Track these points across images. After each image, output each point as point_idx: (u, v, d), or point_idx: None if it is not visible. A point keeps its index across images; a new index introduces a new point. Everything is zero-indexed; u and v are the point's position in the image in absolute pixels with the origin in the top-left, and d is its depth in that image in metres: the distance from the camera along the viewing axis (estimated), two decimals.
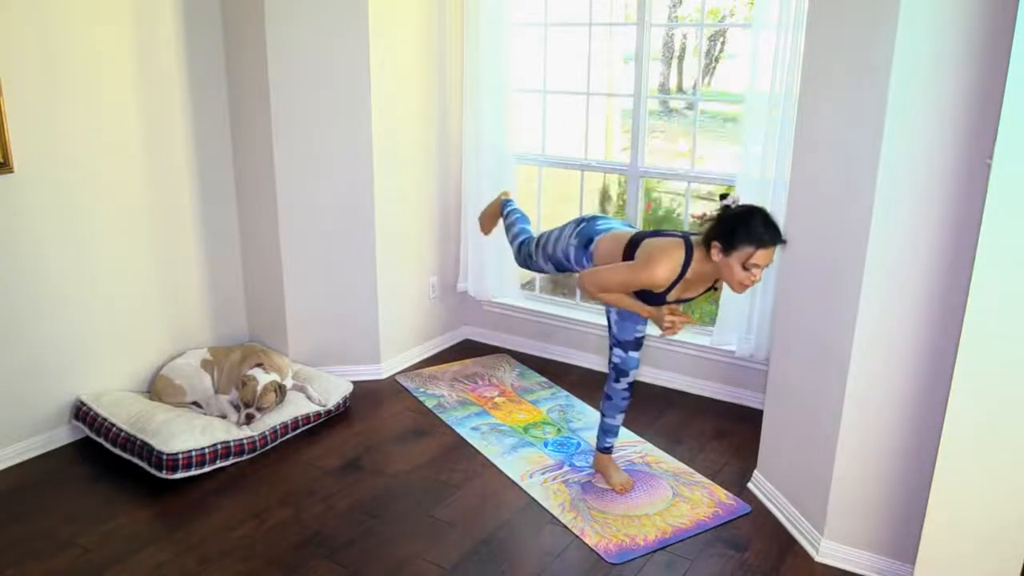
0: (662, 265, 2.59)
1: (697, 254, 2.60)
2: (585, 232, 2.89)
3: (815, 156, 2.70)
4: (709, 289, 2.77)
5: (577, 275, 2.91)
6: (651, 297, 2.73)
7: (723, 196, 2.57)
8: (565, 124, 4.84)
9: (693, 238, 2.64)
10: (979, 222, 2.02)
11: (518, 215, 3.31)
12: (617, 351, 3.00)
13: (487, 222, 3.52)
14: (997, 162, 1.96)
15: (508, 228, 3.31)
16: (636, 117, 3.96)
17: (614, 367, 3.03)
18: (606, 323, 3.06)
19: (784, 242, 2.51)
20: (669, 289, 2.66)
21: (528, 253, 3.13)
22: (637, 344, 2.98)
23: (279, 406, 3.50)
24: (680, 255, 2.60)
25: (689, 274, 2.61)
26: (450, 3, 4.08)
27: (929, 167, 2.29)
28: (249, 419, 3.39)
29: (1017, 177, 1.94)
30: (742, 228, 2.46)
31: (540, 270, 3.15)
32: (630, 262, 2.68)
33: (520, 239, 3.20)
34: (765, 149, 3.46)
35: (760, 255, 2.44)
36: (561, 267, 3.02)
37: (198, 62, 3.66)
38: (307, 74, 3.66)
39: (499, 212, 3.44)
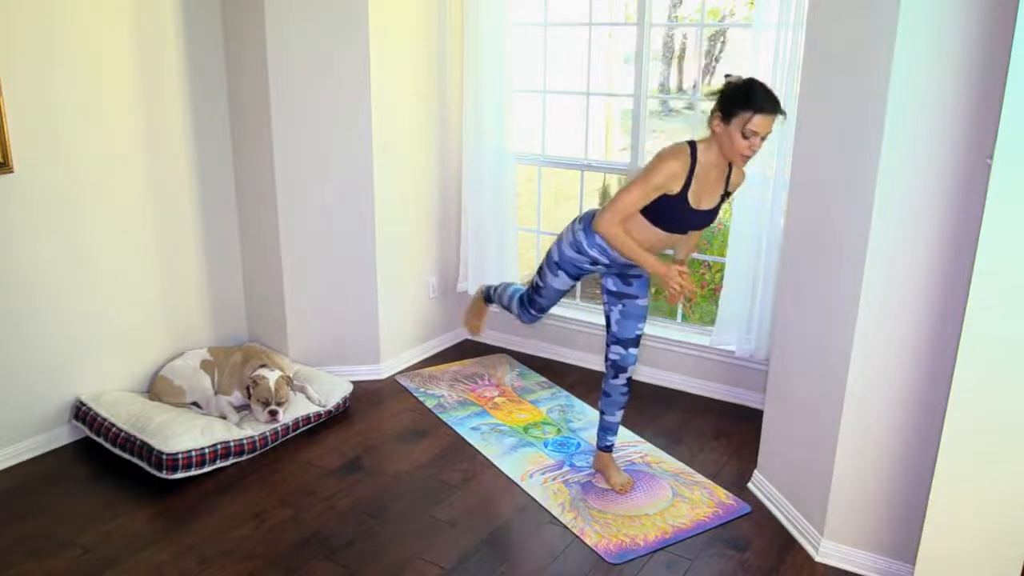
0: (671, 157, 2.63)
1: (701, 145, 2.65)
2: (587, 217, 2.90)
3: (815, 156, 2.70)
4: (724, 196, 2.77)
5: (594, 252, 2.87)
6: (673, 209, 2.68)
7: (727, 76, 2.63)
8: (565, 124, 4.84)
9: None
10: (979, 222, 2.02)
11: (504, 284, 3.35)
12: (616, 348, 3.02)
13: (473, 320, 3.51)
14: (997, 162, 1.95)
15: (500, 299, 3.33)
16: (636, 117, 3.96)
17: (612, 364, 3.04)
18: (605, 323, 3.07)
19: (784, 113, 2.53)
20: (686, 188, 2.64)
21: (532, 291, 3.12)
22: (636, 342, 3.01)
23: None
24: (685, 148, 2.65)
25: (699, 167, 2.64)
26: (450, 3, 4.08)
27: (929, 167, 2.29)
28: (273, 415, 3.41)
29: (1017, 177, 1.94)
30: (740, 95, 2.51)
31: (554, 294, 3.07)
32: (639, 177, 2.69)
33: (518, 295, 3.23)
34: (765, 148, 3.45)
35: (758, 121, 2.49)
36: (575, 269, 2.95)
37: (198, 62, 3.66)
38: (307, 74, 3.66)
39: (483, 303, 3.48)
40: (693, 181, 2.65)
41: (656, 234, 2.74)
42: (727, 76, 2.63)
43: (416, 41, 3.96)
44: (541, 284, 3.07)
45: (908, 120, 2.28)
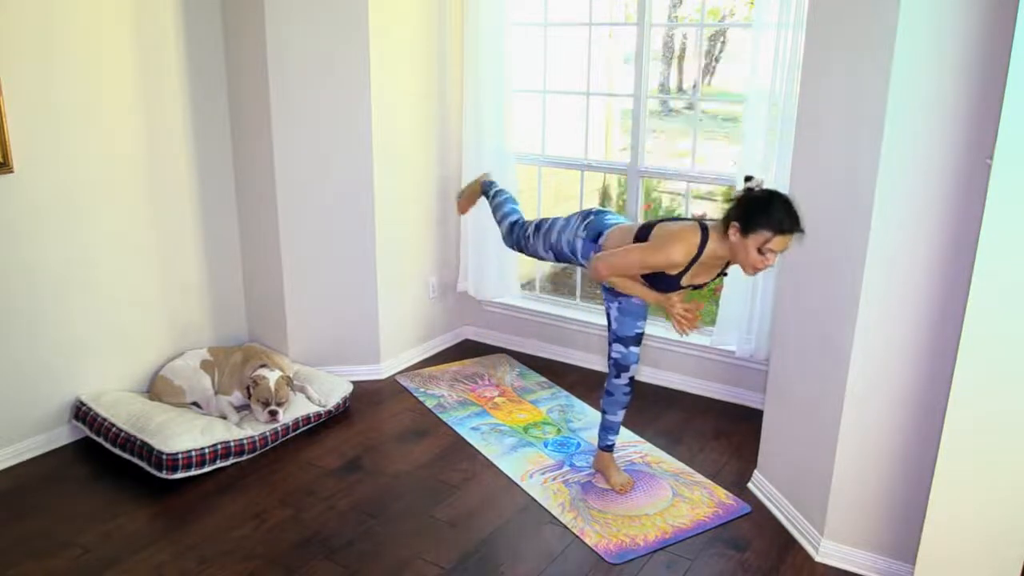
0: (680, 245, 2.60)
1: (713, 236, 2.59)
2: (594, 226, 2.88)
3: (815, 156, 2.70)
4: (719, 275, 2.76)
5: (585, 264, 2.88)
6: (663, 281, 2.71)
7: (748, 179, 2.57)
8: (565, 124, 4.84)
9: (708, 222, 2.65)
10: (979, 222, 2.02)
11: (505, 196, 3.29)
12: (617, 347, 3.01)
13: (464, 203, 3.54)
14: (997, 162, 1.96)
15: (496, 209, 3.28)
16: (636, 117, 3.96)
17: (614, 362, 3.03)
18: (606, 320, 3.07)
19: (803, 231, 2.45)
20: (684, 271, 2.65)
21: (523, 236, 3.09)
22: (637, 340, 3.00)
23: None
24: (696, 237, 2.60)
25: (704, 256, 2.60)
26: (450, 3, 4.08)
27: (929, 167, 2.29)
28: (273, 415, 3.42)
29: (1017, 177, 1.94)
30: (762, 212, 2.44)
31: (534, 254, 3.11)
32: (646, 243, 2.67)
33: (511, 219, 3.18)
34: (765, 149, 3.46)
35: (777, 241, 2.43)
36: (562, 258, 2.99)
37: (198, 62, 3.66)
38: (307, 74, 3.66)
39: (479, 192, 3.46)
40: (693, 267, 2.63)
41: (643, 281, 2.76)
42: (748, 180, 2.55)
43: (416, 41, 3.96)
44: (531, 239, 3.05)
45: (908, 120, 2.28)
